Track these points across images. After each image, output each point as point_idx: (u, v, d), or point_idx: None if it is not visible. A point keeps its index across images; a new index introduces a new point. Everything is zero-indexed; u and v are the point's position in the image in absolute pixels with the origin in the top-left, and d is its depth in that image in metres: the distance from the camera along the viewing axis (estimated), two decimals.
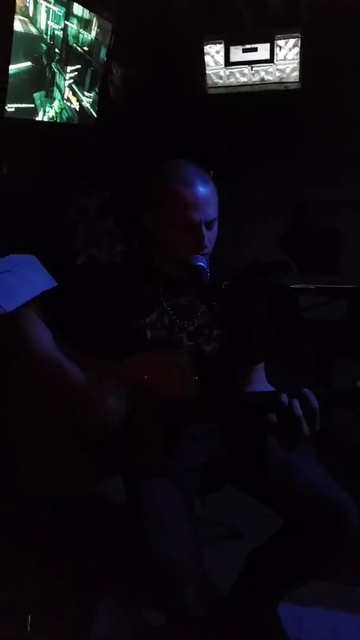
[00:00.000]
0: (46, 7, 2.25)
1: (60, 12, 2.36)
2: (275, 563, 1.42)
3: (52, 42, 2.37)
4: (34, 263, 2.02)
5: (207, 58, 3.21)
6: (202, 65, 3.16)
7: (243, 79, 3.27)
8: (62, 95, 2.53)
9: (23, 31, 2.13)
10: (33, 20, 2.18)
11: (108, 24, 2.73)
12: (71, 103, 2.63)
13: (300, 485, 1.37)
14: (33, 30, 2.20)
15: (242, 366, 1.42)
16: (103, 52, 2.78)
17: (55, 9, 2.32)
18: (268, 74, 3.22)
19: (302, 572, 1.41)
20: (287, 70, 3.19)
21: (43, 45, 2.31)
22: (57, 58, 2.43)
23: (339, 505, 1.32)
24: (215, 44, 3.20)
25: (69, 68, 2.56)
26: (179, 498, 1.32)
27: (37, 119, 2.37)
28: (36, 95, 2.35)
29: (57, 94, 2.50)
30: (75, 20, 2.50)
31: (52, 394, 1.35)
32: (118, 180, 2.73)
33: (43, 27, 2.27)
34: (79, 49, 2.58)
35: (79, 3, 2.49)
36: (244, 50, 3.22)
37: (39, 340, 1.35)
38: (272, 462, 1.41)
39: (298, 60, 3.09)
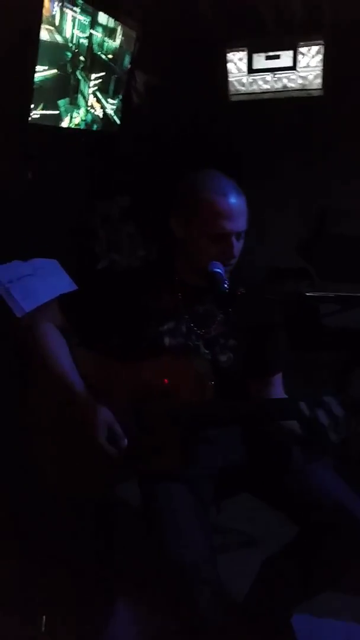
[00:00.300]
0: (72, 16, 2.29)
1: (86, 21, 2.40)
2: (290, 572, 1.41)
3: (77, 50, 2.41)
4: (55, 267, 2.06)
5: (229, 65, 3.23)
6: (225, 72, 3.18)
7: (265, 86, 3.28)
8: (86, 102, 2.57)
9: (49, 40, 2.18)
10: (59, 29, 2.23)
11: (132, 32, 2.77)
12: (95, 110, 2.66)
13: (316, 493, 1.36)
14: (59, 38, 2.25)
15: (255, 377, 1.43)
16: (127, 60, 2.81)
17: (81, 17, 2.36)
18: (291, 81, 3.22)
19: (316, 581, 1.40)
20: (310, 77, 3.18)
21: (68, 53, 2.35)
22: (81, 66, 2.47)
23: (355, 514, 1.31)
24: (238, 51, 3.23)
25: (93, 75, 2.60)
26: (194, 503, 1.32)
27: (61, 125, 2.41)
28: (61, 102, 2.40)
29: (81, 101, 2.54)
30: (100, 29, 2.54)
31: (62, 397, 1.36)
32: (140, 186, 2.76)
33: (69, 35, 2.31)
34: (103, 56, 2.62)
35: (104, 12, 2.53)
36: (267, 58, 3.23)
37: (49, 347, 1.37)
38: (288, 469, 1.41)
39: (321, 67, 3.10)
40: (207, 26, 2.93)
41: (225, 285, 1.28)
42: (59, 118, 2.41)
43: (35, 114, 2.21)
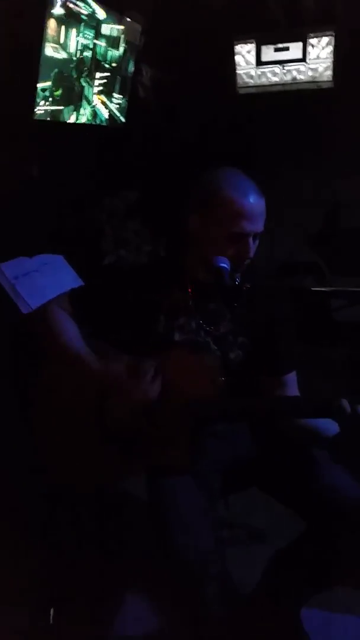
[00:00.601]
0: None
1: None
2: (299, 566, 1.40)
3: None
4: (61, 263, 2.05)
5: (238, 58, 3.20)
6: (233, 65, 3.15)
7: (275, 79, 3.24)
8: (91, 102, 2.58)
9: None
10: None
11: (138, 25, 2.75)
12: (100, 107, 2.67)
13: (325, 488, 1.34)
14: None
15: (267, 376, 1.41)
16: (131, 65, 2.81)
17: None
18: (300, 73, 3.18)
19: (326, 576, 1.38)
20: (320, 69, 3.13)
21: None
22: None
23: None
24: (246, 43, 3.19)
25: (97, 82, 2.61)
26: (202, 498, 1.31)
27: (67, 121, 2.42)
28: (65, 109, 2.41)
29: (85, 104, 2.55)
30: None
31: (76, 386, 1.37)
32: (146, 181, 2.75)
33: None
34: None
35: (110, 6, 2.53)
36: (276, 50, 3.19)
37: (65, 334, 1.38)
38: (297, 464, 1.39)
39: (331, 59, 3.05)
40: (214, 18, 2.90)
41: (230, 280, 1.28)
42: (64, 115, 2.42)
43: (40, 109, 2.21)
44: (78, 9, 2.30)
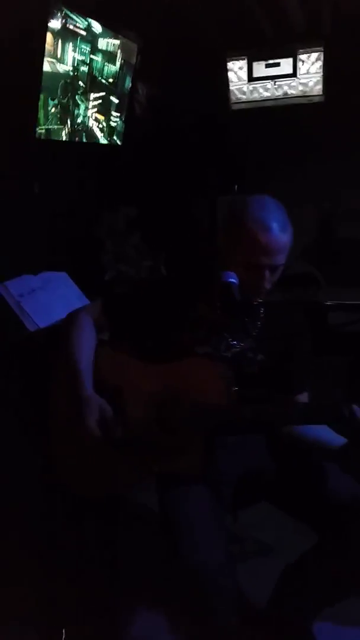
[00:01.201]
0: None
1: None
2: (310, 579, 1.41)
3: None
4: (65, 280, 2.07)
5: (230, 74, 3.26)
6: (226, 81, 3.21)
7: (266, 94, 3.30)
8: (89, 118, 2.60)
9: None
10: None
11: (133, 45, 2.79)
12: (98, 124, 2.69)
13: (335, 499, 1.35)
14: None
15: (278, 394, 1.43)
16: (128, 81, 2.84)
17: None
18: (291, 88, 3.24)
19: (337, 588, 1.39)
20: (310, 83, 3.20)
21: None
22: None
23: None
24: (238, 60, 3.25)
25: (94, 99, 2.63)
26: (213, 510, 1.32)
27: (65, 140, 2.44)
28: (63, 127, 2.43)
29: (82, 122, 2.57)
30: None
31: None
32: (145, 196, 2.79)
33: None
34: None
35: (106, 26, 2.56)
36: (267, 66, 3.25)
37: (79, 345, 1.40)
38: (307, 476, 1.40)
39: (321, 73, 3.12)
40: (206, 36, 2.96)
41: (238, 296, 1.30)
42: (62, 134, 2.44)
43: (41, 128, 2.24)
44: (74, 23, 2.33)
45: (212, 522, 1.29)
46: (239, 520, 1.48)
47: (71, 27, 2.32)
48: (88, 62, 2.49)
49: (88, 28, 2.43)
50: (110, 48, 2.66)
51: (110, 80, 2.70)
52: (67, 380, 1.38)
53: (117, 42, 2.68)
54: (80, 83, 2.49)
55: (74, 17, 2.31)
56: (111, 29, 2.61)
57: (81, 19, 2.35)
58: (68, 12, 2.26)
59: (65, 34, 2.28)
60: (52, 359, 1.49)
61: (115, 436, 1.32)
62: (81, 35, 2.38)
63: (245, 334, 1.42)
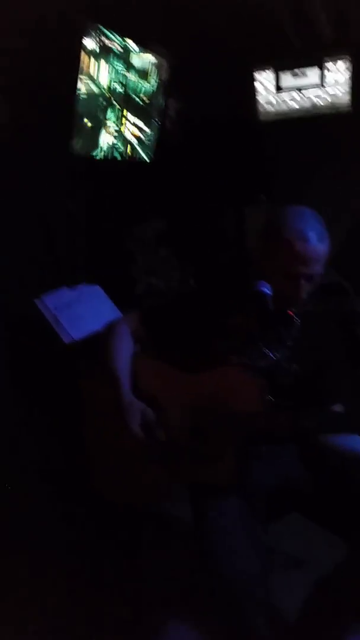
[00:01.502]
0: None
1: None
2: (343, 592, 1.42)
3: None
4: (99, 293, 2.13)
5: (257, 85, 3.29)
6: (253, 92, 3.24)
7: (294, 104, 3.32)
8: (122, 135, 2.66)
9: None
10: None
11: (163, 60, 2.85)
12: (130, 141, 2.75)
13: None
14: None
15: (315, 404, 1.44)
16: (160, 98, 2.88)
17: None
18: (319, 98, 3.25)
19: None
20: (338, 93, 3.21)
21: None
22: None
23: None
24: (265, 70, 3.28)
25: (128, 116, 2.69)
26: (247, 521, 1.33)
27: (98, 156, 2.50)
28: (97, 143, 2.49)
29: (115, 138, 2.63)
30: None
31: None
32: (175, 210, 2.83)
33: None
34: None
35: (139, 43, 2.62)
36: (294, 75, 3.28)
37: (118, 353, 1.45)
38: (344, 488, 1.40)
39: (349, 83, 3.12)
40: (233, 48, 2.99)
41: (270, 305, 1.32)
42: (95, 149, 2.50)
43: (76, 144, 2.30)
44: (110, 40, 2.38)
45: (246, 532, 1.31)
46: (269, 531, 1.47)
47: (106, 44, 2.38)
48: (122, 79, 2.54)
49: (122, 46, 2.48)
50: (144, 65, 2.72)
51: (143, 97, 2.76)
52: (106, 386, 1.42)
53: (150, 59, 2.73)
54: (114, 100, 2.55)
55: (110, 34, 2.36)
56: (144, 46, 2.67)
57: (116, 36, 2.41)
58: (104, 30, 2.32)
59: (101, 52, 2.33)
60: (88, 368, 1.54)
61: (158, 439, 1.36)
62: (116, 52, 2.43)
63: (279, 344, 1.44)
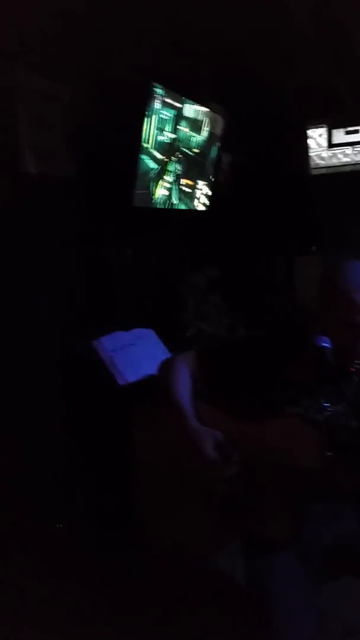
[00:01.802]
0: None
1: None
2: None
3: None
4: (153, 337, 2.19)
5: (310, 141, 3.40)
6: (306, 148, 3.34)
7: (346, 159, 3.40)
8: (177, 187, 2.78)
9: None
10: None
11: (219, 117, 2.99)
12: (185, 192, 2.87)
13: None
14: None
15: None
16: (213, 150, 3.01)
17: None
18: None
19: None
20: None
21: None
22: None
23: None
24: (318, 127, 3.39)
25: (180, 167, 2.80)
26: (302, 581, 1.30)
27: (154, 206, 2.62)
28: (152, 194, 2.61)
29: (169, 189, 2.76)
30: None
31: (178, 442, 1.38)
32: (226, 259, 2.92)
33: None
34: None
35: (194, 100, 2.77)
36: (347, 132, 3.38)
37: (179, 386, 1.44)
38: None
39: None
40: (287, 104, 3.12)
41: (330, 360, 1.32)
42: (152, 200, 2.62)
43: (136, 194, 2.42)
44: (166, 97, 2.52)
45: (302, 594, 1.27)
46: (323, 594, 1.40)
47: (163, 100, 2.52)
48: (174, 131, 2.66)
49: (179, 100, 2.62)
50: (196, 116, 2.85)
51: (196, 150, 2.89)
52: (171, 417, 1.39)
53: (202, 110, 2.87)
54: (167, 153, 2.67)
55: (165, 92, 2.51)
56: (198, 101, 2.82)
57: (173, 93, 2.55)
58: (160, 90, 2.47)
59: (157, 109, 2.47)
60: (143, 409, 1.55)
61: (232, 462, 1.31)
62: (171, 106, 2.56)
63: (339, 398, 1.42)
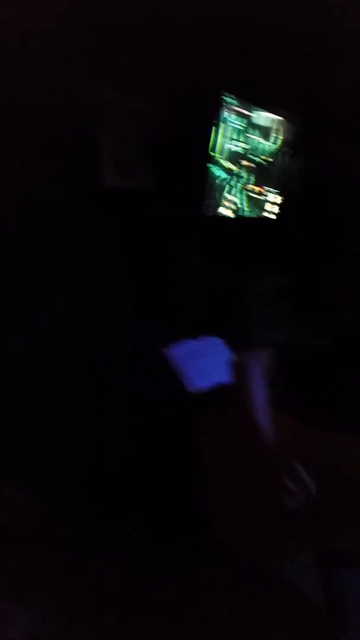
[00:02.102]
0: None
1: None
2: None
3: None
4: (221, 346, 2.20)
5: None
6: None
7: None
8: (247, 195, 2.79)
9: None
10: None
11: (290, 125, 2.96)
12: (254, 202, 2.87)
13: None
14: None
15: None
16: (285, 159, 2.99)
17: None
18: None
19: None
20: None
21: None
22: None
23: None
24: None
25: (250, 175, 2.81)
26: None
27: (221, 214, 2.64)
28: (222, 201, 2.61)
29: (238, 198, 2.76)
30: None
31: (255, 447, 1.40)
32: (296, 267, 2.88)
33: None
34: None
35: (264, 108, 2.76)
36: None
37: (256, 386, 1.46)
38: None
39: None
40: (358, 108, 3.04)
41: None
42: (220, 208, 2.63)
43: (206, 204, 2.45)
44: (235, 107, 2.53)
45: None
46: None
47: (233, 109, 2.53)
48: (243, 139, 2.67)
49: (248, 109, 2.62)
50: (266, 123, 2.84)
51: (266, 157, 2.89)
52: (246, 430, 1.40)
53: (274, 120, 2.86)
54: (236, 161, 2.68)
55: (236, 101, 2.51)
56: (268, 109, 2.81)
57: (243, 102, 2.56)
58: (231, 99, 2.48)
59: (226, 117, 2.48)
60: (215, 416, 1.56)
61: (308, 492, 1.30)
62: (241, 115, 2.57)
63: None
